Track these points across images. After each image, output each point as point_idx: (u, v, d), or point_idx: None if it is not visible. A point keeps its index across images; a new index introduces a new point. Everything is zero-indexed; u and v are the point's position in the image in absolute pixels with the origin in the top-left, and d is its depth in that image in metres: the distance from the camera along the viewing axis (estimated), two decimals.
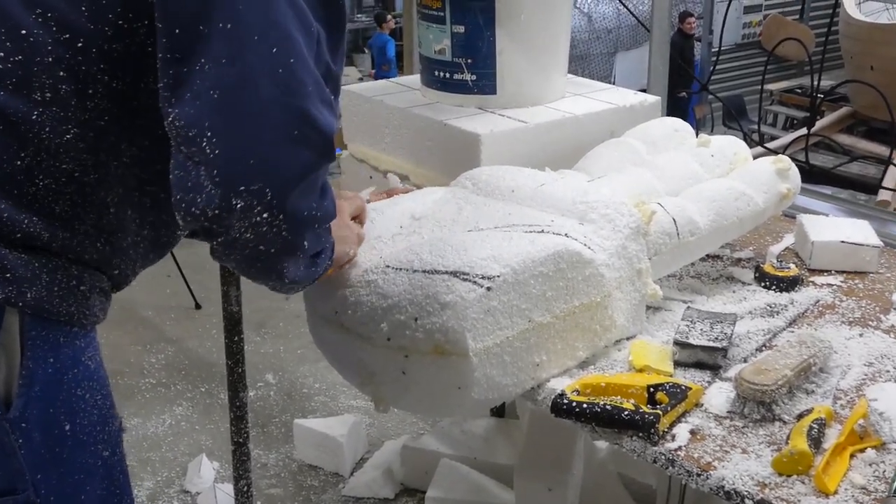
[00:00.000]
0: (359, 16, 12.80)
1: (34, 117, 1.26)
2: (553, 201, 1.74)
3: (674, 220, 1.81)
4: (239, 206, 1.20)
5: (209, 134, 1.19)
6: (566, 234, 1.64)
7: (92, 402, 1.40)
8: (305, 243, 1.32)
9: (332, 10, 1.30)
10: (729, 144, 2.11)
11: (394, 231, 1.72)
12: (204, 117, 1.19)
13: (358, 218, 1.68)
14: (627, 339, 1.74)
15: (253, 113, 1.20)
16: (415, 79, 2.53)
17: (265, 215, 1.22)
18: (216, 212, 1.21)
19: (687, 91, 7.90)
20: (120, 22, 1.26)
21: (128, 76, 1.29)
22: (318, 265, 1.43)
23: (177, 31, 1.22)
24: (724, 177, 2.02)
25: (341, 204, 1.60)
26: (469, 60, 2.27)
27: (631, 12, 5.30)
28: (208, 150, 1.19)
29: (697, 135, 2.19)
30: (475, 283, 1.50)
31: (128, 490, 1.51)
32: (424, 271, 1.54)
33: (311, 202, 1.28)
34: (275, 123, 1.21)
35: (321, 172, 1.28)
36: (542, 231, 1.64)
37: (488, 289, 1.50)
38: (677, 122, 2.20)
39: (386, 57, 9.80)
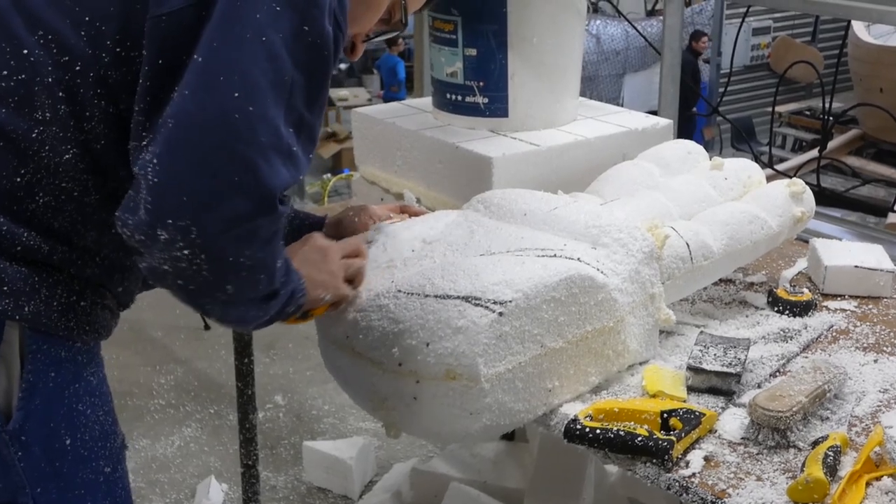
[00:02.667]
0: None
1: (34, 135, 1.28)
2: (565, 225, 1.74)
3: (687, 244, 1.80)
4: (163, 237, 1.19)
5: (156, 161, 1.19)
6: (579, 259, 1.63)
7: (94, 417, 1.40)
8: (229, 287, 1.27)
9: (314, 57, 1.27)
10: (742, 167, 2.10)
11: (406, 255, 1.72)
12: (158, 144, 1.20)
13: (357, 256, 1.64)
14: (640, 364, 1.73)
15: (198, 151, 1.19)
16: (426, 101, 2.53)
17: (186, 252, 1.20)
18: (141, 237, 1.21)
19: (694, 108, 7.90)
20: (118, 49, 1.28)
21: (123, 103, 1.30)
22: (268, 309, 1.38)
23: (160, 60, 1.25)
24: (737, 200, 2.01)
25: (330, 246, 1.58)
26: (481, 83, 2.27)
27: (640, 33, 5.30)
28: (151, 177, 1.19)
29: None
30: (487, 308, 1.50)
31: None
32: (436, 296, 1.53)
33: (243, 250, 1.24)
34: (216, 167, 1.19)
35: (262, 223, 1.24)
36: (555, 255, 1.64)
37: (500, 314, 1.50)
38: (690, 145, 2.19)
39: (396, 78, 9.81)
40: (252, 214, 1.22)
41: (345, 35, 1.34)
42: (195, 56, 1.21)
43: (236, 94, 1.19)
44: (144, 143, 1.24)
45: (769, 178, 2.12)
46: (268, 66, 1.22)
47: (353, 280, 1.62)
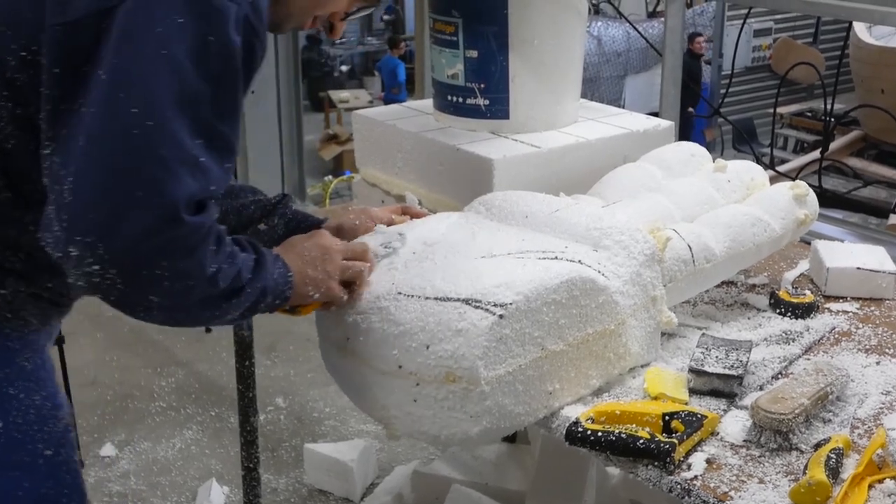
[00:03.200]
0: (369, 39, 12.86)
1: None
2: (567, 227, 1.73)
3: (689, 246, 1.80)
4: (74, 254, 1.22)
5: (71, 179, 1.21)
6: (580, 261, 1.63)
7: (28, 401, 1.44)
8: (154, 298, 1.29)
9: (221, 68, 1.28)
10: (746, 169, 2.09)
11: (407, 257, 1.72)
12: (71, 161, 1.22)
13: (361, 258, 1.63)
14: (642, 366, 1.73)
15: (102, 169, 1.21)
16: (427, 103, 2.53)
17: (96, 268, 1.22)
18: (58, 254, 1.24)
19: (694, 108, 7.89)
20: (23, 54, 1.30)
21: (32, 106, 1.31)
22: (231, 306, 1.39)
23: (56, 69, 1.26)
24: (740, 202, 2.01)
25: (332, 246, 1.58)
26: (482, 85, 2.27)
27: (642, 35, 5.32)
28: (65, 195, 1.21)
29: None
30: (487, 310, 1.50)
31: (79, 491, 1.55)
32: (437, 298, 1.53)
33: (159, 262, 1.25)
34: (119, 183, 1.21)
35: (175, 235, 1.24)
36: (556, 258, 1.63)
37: (501, 316, 1.49)
38: (694, 147, 2.19)
39: (396, 80, 9.82)
40: (158, 228, 1.23)
41: (262, 41, 1.35)
42: (99, 72, 1.23)
43: (135, 110, 1.21)
44: (48, 151, 1.26)
45: (771, 180, 2.12)
46: (169, 80, 1.23)
47: (352, 282, 1.61)
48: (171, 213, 1.23)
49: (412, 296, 1.56)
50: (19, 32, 1.29)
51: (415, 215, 1.89)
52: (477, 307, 1.50)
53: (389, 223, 1.84)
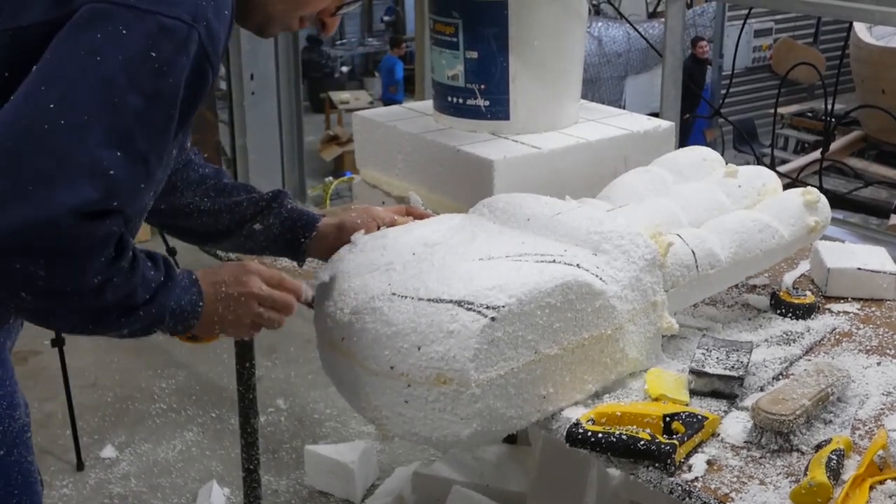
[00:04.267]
0: (369, 39, 12.86)
1: None
2: (567, 231, 1.73)
3: (693, 252, 1.78)
4: None
5: None
6: (578, 265, 1.62)
7: None
8: (25, 295, 1.26)
9: (158, 84, 1.26)
10: (757, 175, 2.07)
11: (406, 258, 1.71)
12: None
13: (281, 308, 1.56)
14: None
15: (1, 150, 1.20)
16: (427, 104, 2.53)
17: None
18: None
19: (693, 115, 7.89)
20: None
21: None
22: (121, 324, 1.36)
23: (6, 73, 1.27)
24: (750, 208, 1.99)
25: (251, 289, 1.51)
26: (482, 86, 2.27)
27: (642, 35, 5.31)
28: None
29: None
30: (479, 312, 1.49)
31: (30, 491, 1.54)
32: (429, 300, 1.53)
33: (34, 259, 1.21)
34: (10, 169, 1.19)
35: (53, 235, 1.21)
36: (554, 261, 1.63)
37: (493, 319, 1.49)
38: (706, 151, 2.17)
39: (394, 78, 9.79)
40: (37, 226, 1.20)
41: (214, 65, 1.33)
42: (33, 67, 1.23)
43: (52, 106, 1.20)
44: None
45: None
46: (94, 85, 1.22)
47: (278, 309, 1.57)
48: (53, 215, 1.20)
49: (406, 297, 1.55)
50: None
51: (418, 216, 1.88)
52: (469, 309, 1.49)
53: (391, 223, 1.84)
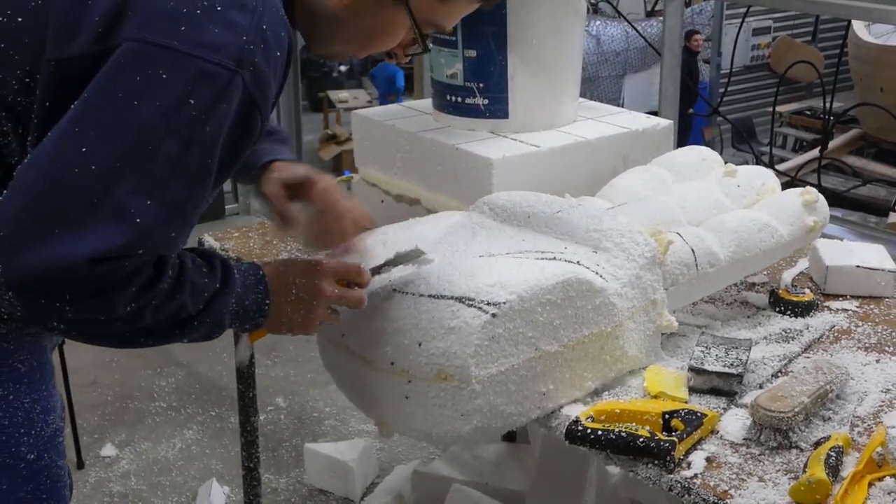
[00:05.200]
0: None
1: None
2: (568, 228, 1.73)
3: (692, 250, 1.79)
4: None
5: (5, 191, 1.20)
6: (578, 262, 1.63)
7: (17, 403, 1.43)
8: (59, 325, 1.25)
9: (197, 134, 1.22)
10: (756, 174, 2.08)
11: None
12: (13, 177, 1.21)
13: (352, 304, 1.54)
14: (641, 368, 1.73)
15: (29, 191, 1.19)
16: (426, 103, 2.53)
17: None
18: None
19: (692, 108, 7.89)
20: (27, 80, 1.28)
21: (28, 130, 1.29)
22: (180, 335, 1.34)
23: (47, 103, 1.25)
24: (749, 207, 1.99)
25: (323, 290, 1.48)
26: (481, 85, 2.27)
27: (640, 34, 5.32)
28: None
29: None
30: (480, 309, 1.49)
31: (58, 496, 1.53)
32: (430, 296, 1.53)
33: (60, 297, 1.20)
34: (36, 211, 1.18)
35: (76, 278, 1.19)
36: (554, 258, 1.64)
37: (493, 315, 1.49)
38: (705, 151, 2.18)
39: (394, 87, 9.64)
40: (59, 269, 1.18)
41: (263, 111, 1.29)
42: (73, 104, 1.21)
43: (84, 150, 1.18)
44: None
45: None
46: (129, 131, 1.19)
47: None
48: (75, 261, 1.18)
49: (407, 293, 1.56)
50: (24, 57, 1.27)
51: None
52: (470, 305, 1.50)
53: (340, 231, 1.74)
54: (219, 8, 1.23)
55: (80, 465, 3.49)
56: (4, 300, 1.26)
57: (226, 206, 5.97)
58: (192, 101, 1.21)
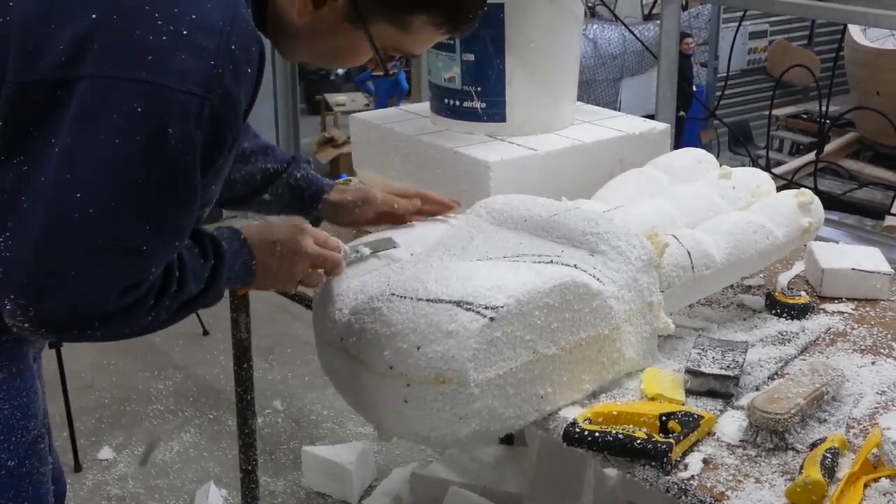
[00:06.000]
0: None
1: None
2: (564, 232, 1.74)
3: (688, 252, 1.79)
4: (7, 307, 1.24)
5: (8, 235, 1.23)
6: (575, 266, 1.63)
7: None
8: (88, 340, 1.34)
9: (176, 159, 1.24)
10: (751, 176, 2.09)
11: (404, 259, 1.73)
12: (14, 221, 1.23)
13: (329, 267, 1.66)
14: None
15: (41, 240, 1.21)
16: (424, 106, 2.54)
17: (27, 325, 1.25)
18: None
19: (686, 112, 7.90)
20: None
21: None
22: (185, 311, 1.40)
23: (3, 124, 1.25)
24: (745, 209, 2.00)
25: (303, 247, 1.59)
26: (479, 88, 2.28)
27: (637, 38, 5.33)
28: (2, 250, 1.23)
29: None
30: (478, 312, 1.50)
31: (40, 502, 1.53)
32: (428, 300, 1.54)
33: (88, 328, 1.28)
34: (51, 259, 1.22)
35: (102, 314, 1.26)
36: (551, 262, 1.64)
37: (491, 319, 1.50)
38: (700, 153, 2.19)
39: (399, 88, 9.54)
40: (83, 308, 1.24)
41: (234, 128, 1.31)
42: (56, 146, 1.22)
43: (79, 195, 1.21)
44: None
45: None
46: (115, 169, 1.22)
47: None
48: (96, 300, 1.24)
49: (405, 297, 1.56)
50: None
51: (429, 207, 1.93)
52: (468, 309, 1.50)
53: (390, 210, 1.89)
54: (185, 32, 1.23)
55: (78, 468, 3.49)
56: None
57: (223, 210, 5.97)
58: (170, 131, 1.23)
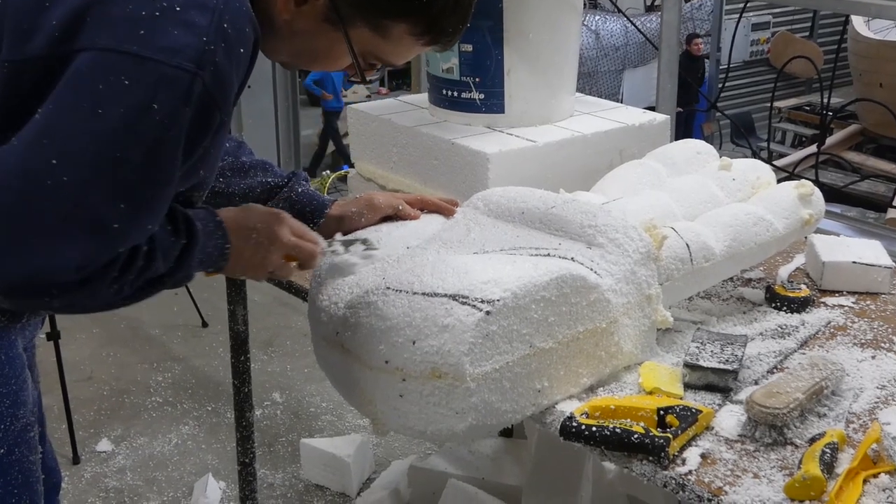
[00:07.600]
0: None
1: None
2: (562, 224, 1.72)
3: (687, 245, 1.78)
4: None
5: None
6: (572, 258, 1.62)
7: None
8: (47, 310, 1.37)
9: (161, 137, 1.23)
10: (751, 168, 2.07)
11: (400, 252, 1.71)
12: None
13: (304, 257, 1.61)
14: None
15: (5, 204, 1.19)
16: (423, 97, 2.52)
17: None
18: None
19: (687, 108, 7.89)
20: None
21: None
22: (152, 290, 1.38)
23: (1, 102, 1.25)
24: (745, 201, 1.99)
25: (280, 237, 1.56)
26: (477, 79, 2.26)
27: (639, 29, 5.31)
28: None
29: None
30: (474, 306, 1.48)
31: (30, 490, 1.53)
32: (424, 294, 1.52)
33: (46, 298, 1.25)
34: (14, 223, 1.19)
35: (60, 285, 1.23)
36: (548, 254, 1.63)
37: (487, 313, 1.48)
38: (700, 145, 2.17)
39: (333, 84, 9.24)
40: (41, 277, 1.21)
41: (224, 108, 1.30)
42: (38, 112, 1.21)
43: (54, 161, 1.19)
44: None
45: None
46: (95, 140, 1.20)
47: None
48: (55, 270, 1.21)
49: (400, 291, 1.55)
50: None
51: (430, 207, 1.88)
52: (464, 303, 1.49)
53: (395, 214, 1.85)
54: (178, 8, 1.22)
55: (76, 460, 3.49)
56: None
57: None
58: (155, 106, 1.21)
